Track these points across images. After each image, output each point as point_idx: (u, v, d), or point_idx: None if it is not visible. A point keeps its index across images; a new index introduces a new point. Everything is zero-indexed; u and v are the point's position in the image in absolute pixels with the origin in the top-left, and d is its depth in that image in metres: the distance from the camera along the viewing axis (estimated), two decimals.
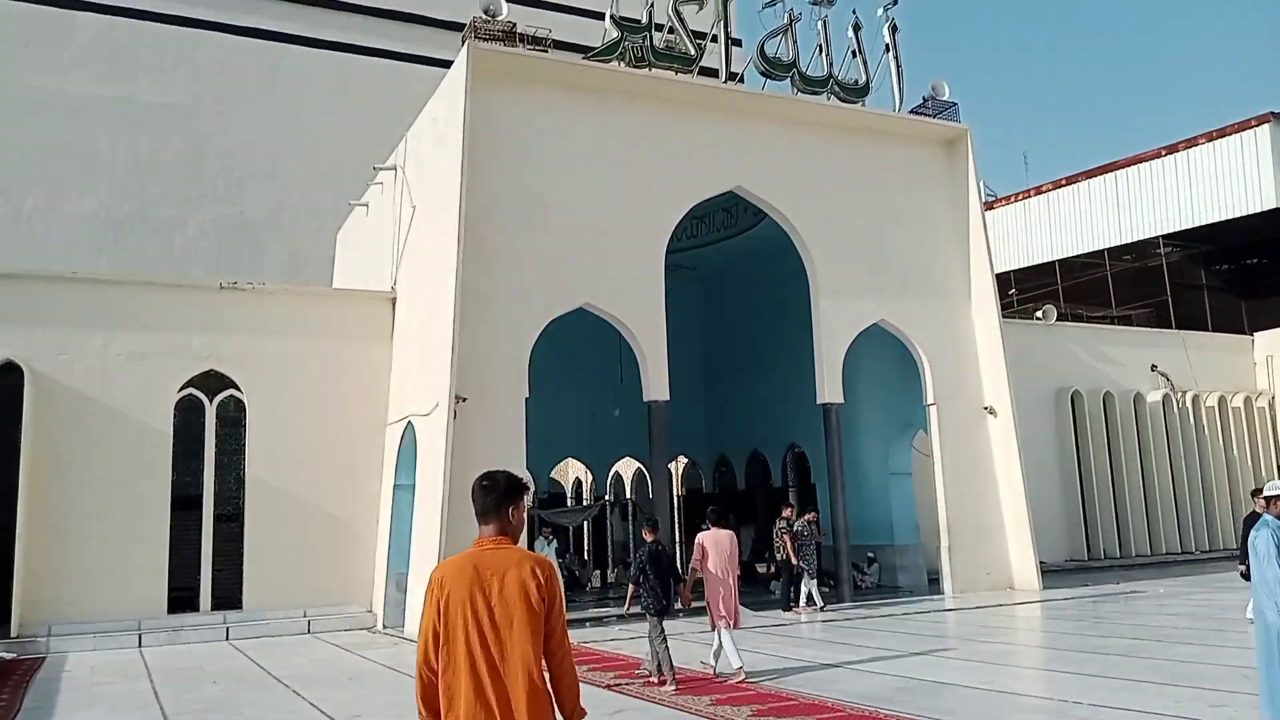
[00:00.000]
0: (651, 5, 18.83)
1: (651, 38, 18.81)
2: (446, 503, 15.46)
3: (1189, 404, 27.93)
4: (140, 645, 16.05)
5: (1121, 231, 32.52)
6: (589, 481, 38.33)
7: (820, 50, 20.29)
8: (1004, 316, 21.40)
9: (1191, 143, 29.87)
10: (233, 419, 18.07)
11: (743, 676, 10.49)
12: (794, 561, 17.78)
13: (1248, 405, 29.31)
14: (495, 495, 3.95)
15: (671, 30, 19.16)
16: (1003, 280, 27.71)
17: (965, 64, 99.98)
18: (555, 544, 18.87)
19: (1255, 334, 30.61)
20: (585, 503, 36.65)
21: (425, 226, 18.57)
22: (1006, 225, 34.49)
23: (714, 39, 19.68)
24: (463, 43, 17.65)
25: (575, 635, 14.26)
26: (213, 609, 17.23)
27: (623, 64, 18.60)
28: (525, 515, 4.17)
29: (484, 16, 19.53)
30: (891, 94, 20.99)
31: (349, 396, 18.79)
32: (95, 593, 16.41)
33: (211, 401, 17.94)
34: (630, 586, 10.79)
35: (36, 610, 15.97)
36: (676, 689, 10.06)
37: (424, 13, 37.61)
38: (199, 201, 34.89)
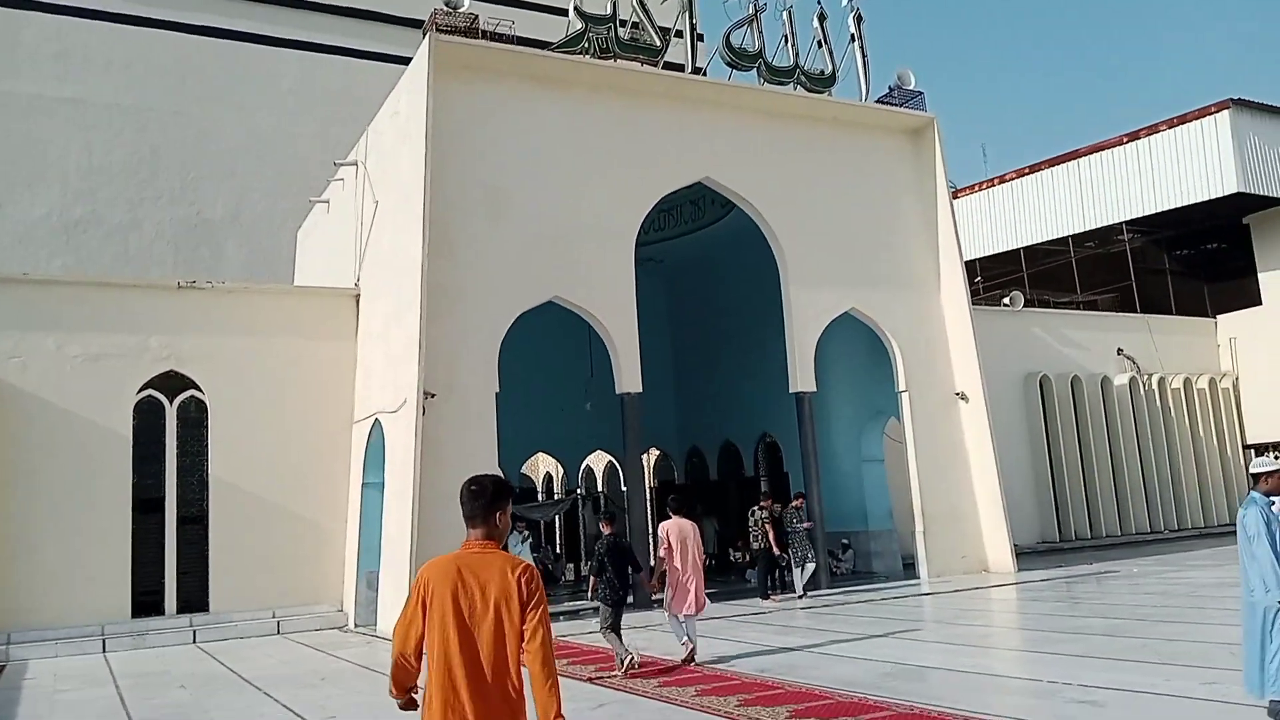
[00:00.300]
0: None
1: (616, 29, 18.59)
2: (417, 500, 15.17)
3: (1155, 386, 28.21)
4: (104, 650, 15.65)
5: (1085, 218, 32.71)
6: (560, 475, 38.09)
7: (786, 40, 20.15)
8: (971, 304, 21.42)
9: (1153, 130, 30.10)
10: (194, 420, 17.65)
11: (689, 656, 10.87)
12: (775, 550, 17.70)
13: (1212, 386, 29.68)
14: (484, 501, 4.02)
15: (636, 24, 18.96)
16: (968, 268, 27.70)
17: (924, 55, 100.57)
18: (529, 539, 18.60)
19: (1218, 316, 30.99)
20: (556, 497, 36.46)
21: (389, 222, 18.23)
22: (970, 214, 34.60)
23: (679, 34, 19.53)
24: (423, 36, 17.31)
25: (562, 630, 14.05)
26: (178, 612, 16.83)
27: (587, 55, 18.37)
28: (510, 519, 4.18)
29: (445, 9, 19.17)
30: (858, 83, 20.95)
31: (313, 395, 18.42)
32: (56, 598, 15.96)
33: (172, 403, 17.50)
34: (592, 579, 10.94)
35: None
36: (625, 675, 10.28)
37: (384, 10, 37.09)
38: (154, 202, 34.18)
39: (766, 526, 17.58)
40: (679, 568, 11.11)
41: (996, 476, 20.30)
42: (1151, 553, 22.87)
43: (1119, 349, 28.44)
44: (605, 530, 11.13)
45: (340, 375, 18.73)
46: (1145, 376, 28.10)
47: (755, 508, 18.03)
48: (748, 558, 22.24)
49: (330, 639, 15.86)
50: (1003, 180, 35.09)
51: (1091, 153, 32.08)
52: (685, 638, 11.05)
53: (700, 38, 20.27)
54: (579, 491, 32.28)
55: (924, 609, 15.42)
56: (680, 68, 20.14)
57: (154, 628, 16.37)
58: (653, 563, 12.17)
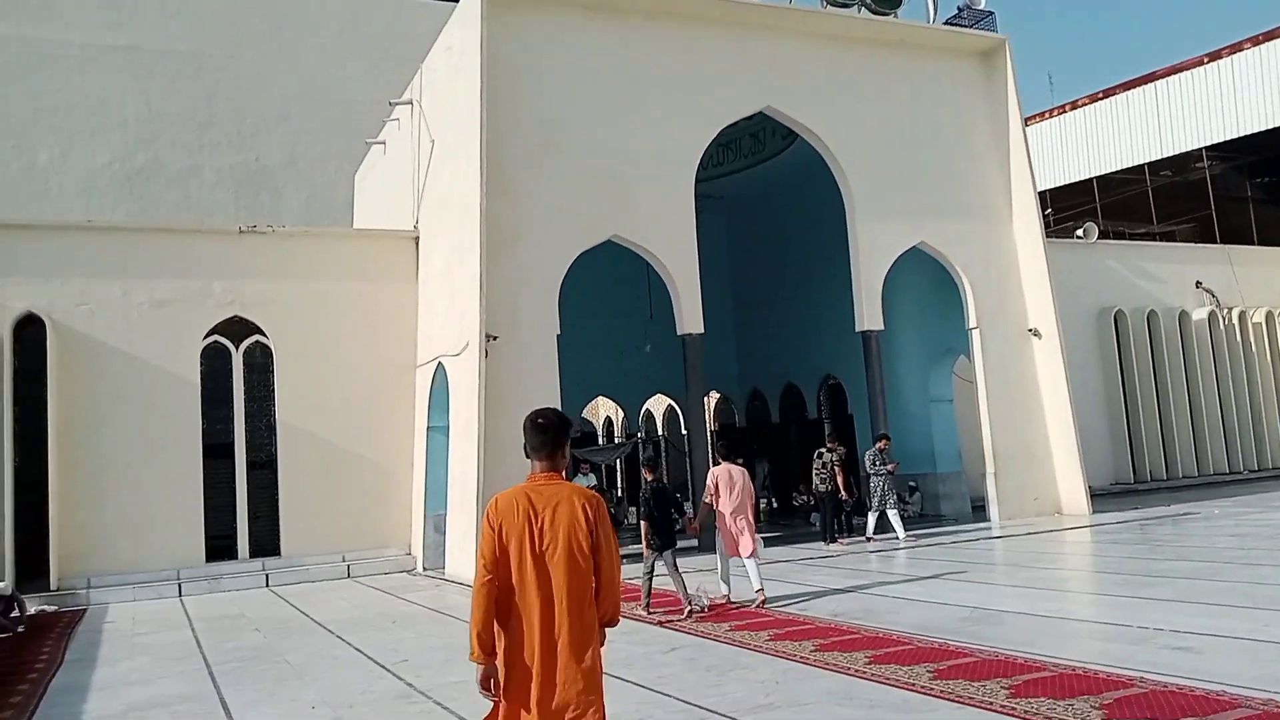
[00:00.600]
0: None
1: None
2: (482, 443, 15.11)
3: (1235, 320, 27.13)
4: (180, 594, 15.97)
5: (1162, 144, 31.46)
6: (620, 419, 38.06)
7: None
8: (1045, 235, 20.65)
9: (1235, 48, 28.65)
10: (260, 365, 17.77)
11: (762, 598, 10.84)
12: (843, 494, 17.41)
13: None
14: (550, 434, 4.22)
15: None
16: (1038, 200, 26.85)
17: None
18: (594, 480, 18.54)
19: None
20: (617, 441, 36.47)
21: (445, 161, 17.99)
22: (1040, 143, 33.39)
23: None
24: None
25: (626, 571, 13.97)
26: (250, 556, 17.10)
27: None
28: (571, 456, 4.47)
29: None
30: (924, 4, 20.08)
31: (376, 339, 18.42)
32: (132, 544, 16.29)
33: (238, 348, 17.61)
34: (644, 525, 11.05)
35: (74, 563, 15.87)
36: (648, 612, 10.59)
37: None
38: (213, 149, 34.34)
39: (837, 469, 17.28)
40: (724, 512, 11.17)
41: (1071, 416, 19.72)
42: (1230, 494, 22.15)
43: (1197, 282, 27.34)
44: (647, 477, 11.33)
45: (402, 318, 18.69)
46: (1225, 310, 27.04)
47: (822, 450, 17.70)
48: (811, 501, 22.00)
49: (399, 582, 16.00)
50: (1075, 106, 33.79)
51: (1169, 74, 30.70)
52: (729, 580, 11.05)
53: None
54: (639, 435, 32.21)
55: (998, 552, 15.08)
56: None
57: (227, 571, 16.67)
58: (695, 508, 12.24)
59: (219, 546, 17.02)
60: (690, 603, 10.61)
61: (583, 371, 22.22)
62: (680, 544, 11.44)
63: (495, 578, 4.06)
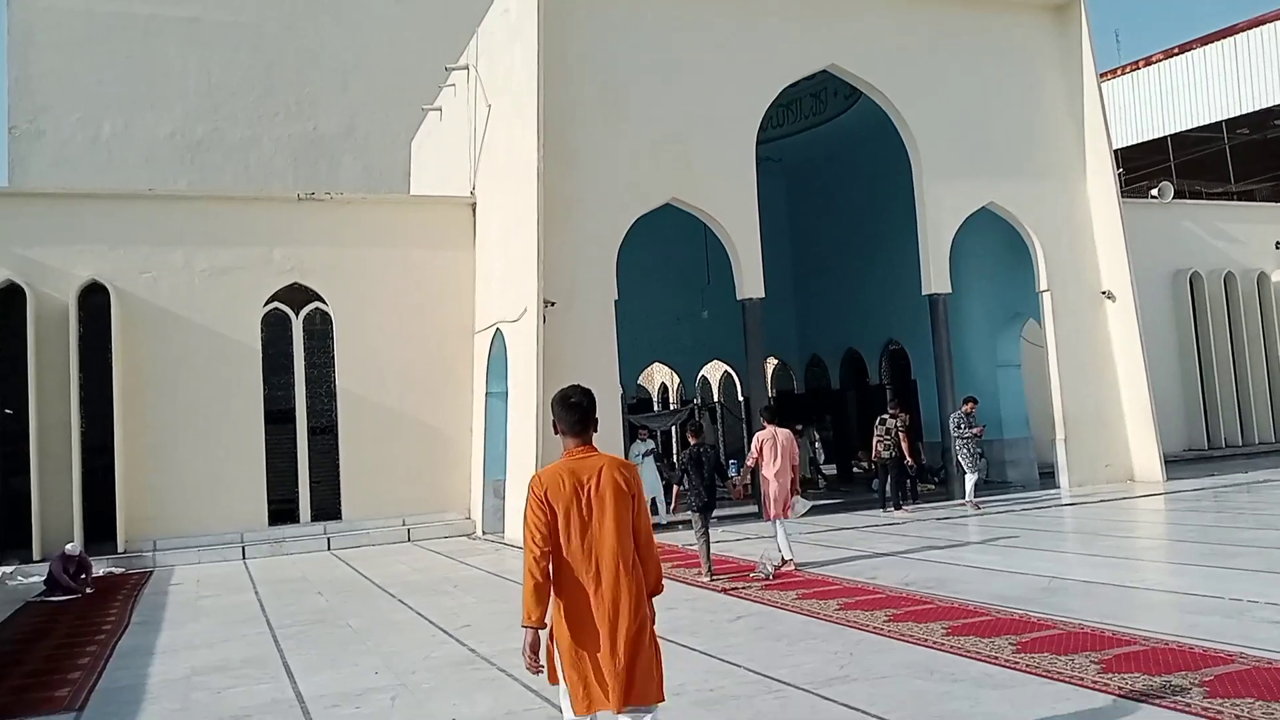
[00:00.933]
0: None
1: None
2: (541, 409, 14.97)
3: None
4: (244, 557, 16.14)
5: (1241, 101, 30.13)
6: (675, 385, 37.86)
7: None
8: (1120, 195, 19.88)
9: None
10: (320, 331, 17.81)
11: (793, 567, 10.88)
12: (909, 460, 17.03)
13: None
14: (580, 413, 4.38)
15: None
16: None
17: None
18: (654, 449, 18.33)
19: None
20: (672, 407, 36.28)
21: (502, 126, 17.76)
22: (1112, 101, 32.11)
23: None
24: None
25: (676, 538, 13.81)
26: (312, 520, 17.23)
27: None
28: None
29: None
30: None
31: (434, 305, 18.35)
32: (197, 507, 16.48)
33: (298, 315, 17.66)
34: (675, 488, 11.31)
35: (140, 526, 16.10)
36: (712, 579, 10.64)
37: None
38: (272, 119, 34.54)
39: (901, 435, 16.89)
40: (768, 476, 11.26)
41: (1145, 380, 19.04)
42: None
43: (1277, 242, 26.23)
44: (691, 440, 11.45)
45: (460, 285, 18.59)
46: None
47: (885, 416, 17.27)
48: (870, 468, 21.60)
49: (460, 546, 16.00)
50: (1148, 63, 32.52)
51: (1250, 28, 29.35)
52: (789, 553, 11.00)
53: None
54: (695, 401, 31.97)
55: (1071, 520, 14.61)
56: None
57: (290, 535, 16.81)
58: (735, 472, 12.38)
59: (281, 510, 17.17)
60: (709, 570, 10.78)
61: (638, 337, 21.97)
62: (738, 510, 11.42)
63: (546, 553, 4.21)
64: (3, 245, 16.27)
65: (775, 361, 29.16)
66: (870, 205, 23.60)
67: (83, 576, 13.18)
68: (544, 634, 4.26)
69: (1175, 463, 21.55)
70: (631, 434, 18.40)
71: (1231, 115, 30.31)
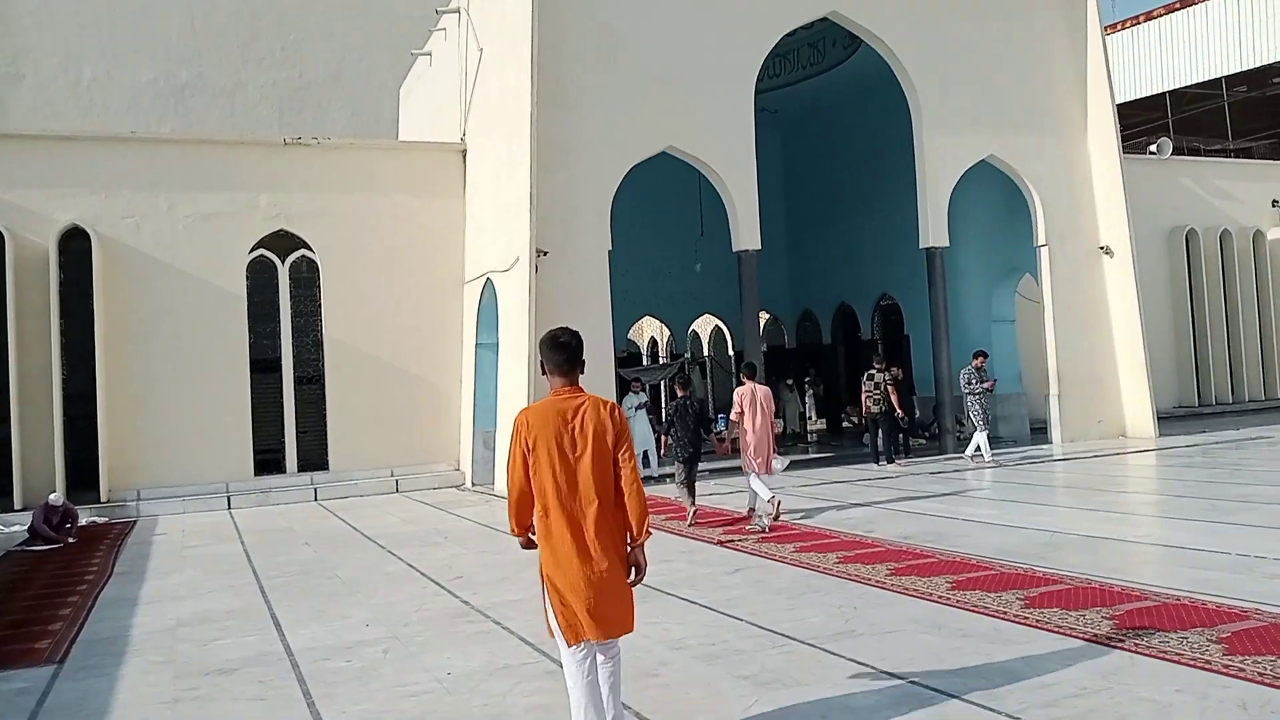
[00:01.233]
0: None
1: None
2: (532, 360, 14.70)
3: None
4: (230, 507, 15.92)
5: (1240, 57, 29.77)
6: (665, 340, 37.60)
7: None
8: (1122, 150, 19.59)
9: None
10: (306, 280, 17.45)
11: (774, 509, 10.92)
12: (899, 413, 16.89)
13: None
14: (569, 353, 4.46)
15: None
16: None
17: None
18: (646, 403, 18.13)
19: None
20: (661, 362, 36.06)
21: (494, 70, 17.29)
22: (1112, 56, 31.71)
23: None
24: None
25: (667, 491, 13.64)
26: (299, 471, 16.99)
27: None
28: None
29: None
30: None
31: (423, 254, 17.99)
32: (181, 457, 16.22)
33: (284, 262, 17.29)
34: (663, 438, 11.56)
35: (124, 475, 15.85)
36: (690, 525, 11.02)
37: None
38: (257, 64, 33.84)
39: (890, 389, 16.72)
40: (750, 430, 11.38)
41: (1141, 337, 18.92)
42: None
43: (1274, 200, 26.03)
44: (679, 393, 11.74)
45: (449, 233, 18.23)
46: None
47: (872, 370, 17.01)
48: (859, 423, 21.50)
49: (449, 497, 15.81)
50: (1149, 17, 32.07)
51: None
52: (770, 494, 11.10)
53: None
54: (685, 356, 31.75)
55: (1066, 475, 14.50)
56: None
57: (276, 485, 16.58)
58: (723, 427, 12.86)
59: (267, 461, 16.93)
60: (693, 515, 11.19)
61: (629, 291, 21.70)
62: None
63: (525, 480, 4.40)
64: None
65: (767, 316, 28.92)
66: (866, 158, 23.26)
67: (68, 526, 12.93)
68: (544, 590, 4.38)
69: (1166, 419, 21.47)
70: (623, 388, 18.18)
71: (1231, 72, 29.98)
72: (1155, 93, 31.82)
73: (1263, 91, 31.02)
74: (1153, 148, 26.29)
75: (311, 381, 17.31)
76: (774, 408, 11.73)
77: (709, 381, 31.40)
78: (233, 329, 16.80)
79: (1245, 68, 29.84)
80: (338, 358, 17.31)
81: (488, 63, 17.70)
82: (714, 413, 23.35)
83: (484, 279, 17.11)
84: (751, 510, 11.52)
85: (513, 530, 4.60)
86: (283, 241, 17.29)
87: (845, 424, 24.96)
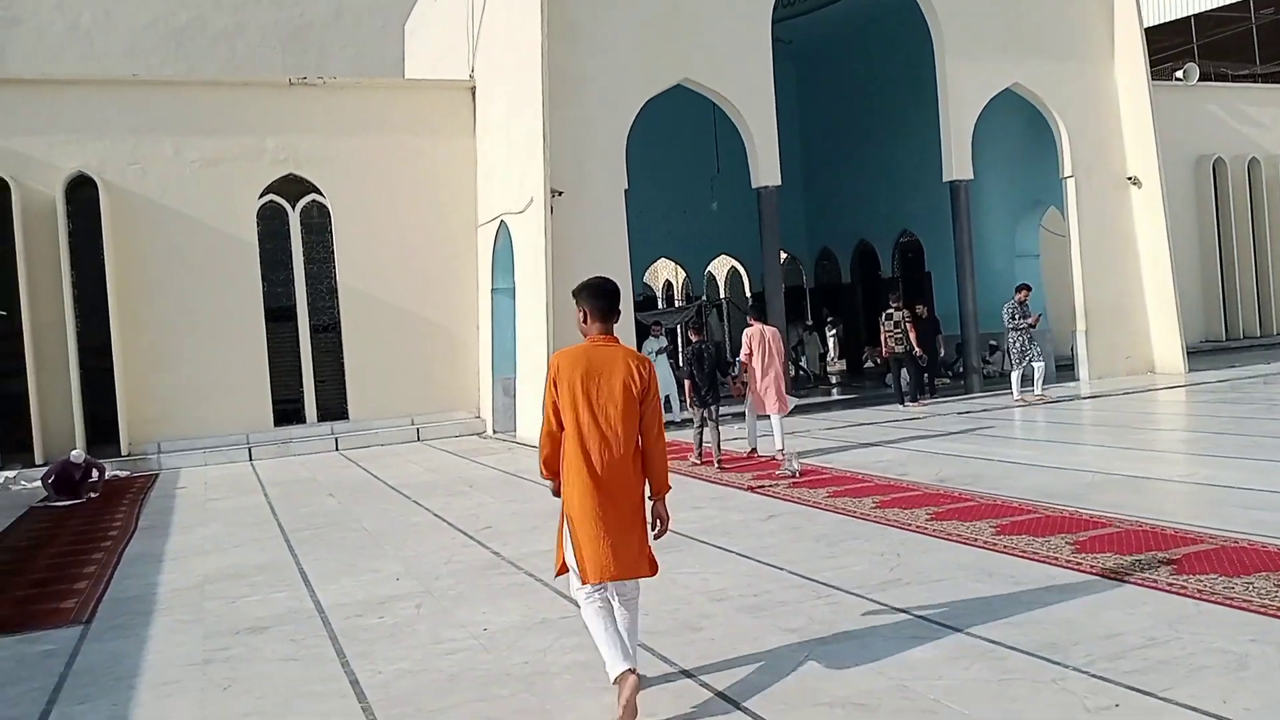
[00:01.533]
0: None
1: None
2: (551, 304, 14.44)
3: None
4: (251, 459, 15.82)
5: None
6: (680, 282, 37.24)
7: None
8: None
9: None
10: (318, 225, 17.15)
11: (783, 457, 10.81)
12: (917, 352, 16.62)
13: None
14: (607, 300, 4.54)
15: None
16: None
17: None
18: (667, 347, 17.86)
19: None
20: (677, 305, 35.72)
21: (502, 3, 16.77)
22: None
23: None
24: None
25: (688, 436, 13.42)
26: (319, 420, 16.86)
27: None
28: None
29: None
30: None
31: (434, 197, 17.65)
32: (200, 408, 16.09)
33: (294, 207, 16.97)
34: (686, 383, 11.66)
35: (143, 428, 15.74)
36: (700, 462, 11.39)
37: None
38: (257, 5, 33.13)
39: (909, 327, 16.41)
40: (758, 371, 11.59)
41: (1170, 270, 18.51)
42: None
43: None
44: (693, 338, 11.75)
45: (460, 175, 17.85)
46: None
47: (890, 310, 16.63)
48: (878, 363, 21.26)
49: (471, 445, 15.67)
50: None
51: None
52: (755, 435, 11.75)
53: None
54: (702, 298, 31.39)
55: (1098, 412, 14.23)
56: None
57: (297, 436, 16.46)
58: (736, 369, 12.80)
59: (286, 411, 16.78)
60: (714, 456, 11.27)
61: (643, 232, 21.26)
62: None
63: (557, 428, 4.49)
64: None
65: (785, 255, 28.48)
66: (885, 90, 22.67)
67: (91, 480, 12.81)
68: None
69: (1193, 354, 21.10)
70: (642, 332, 17.91)
71: None
72: (1180, 16, 30.90)
73: None
74: (1178, 74, 25.56)
75: (328, 330, 17.09)
76: (783, 348, 11.86)
77: (726, 324, 31.06)
78: (245, 277, 16.56)
79: None
80: (353, 305, 17.07)
81: None
82: (731, 356, 23.11)
83: (497, 221, 16.78)
84: (753, 450, 11.93)
85: (542, 474, 4.67)
86: (292, 186, 16.95)
87: (867, 364, 24.68)
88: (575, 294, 4.60)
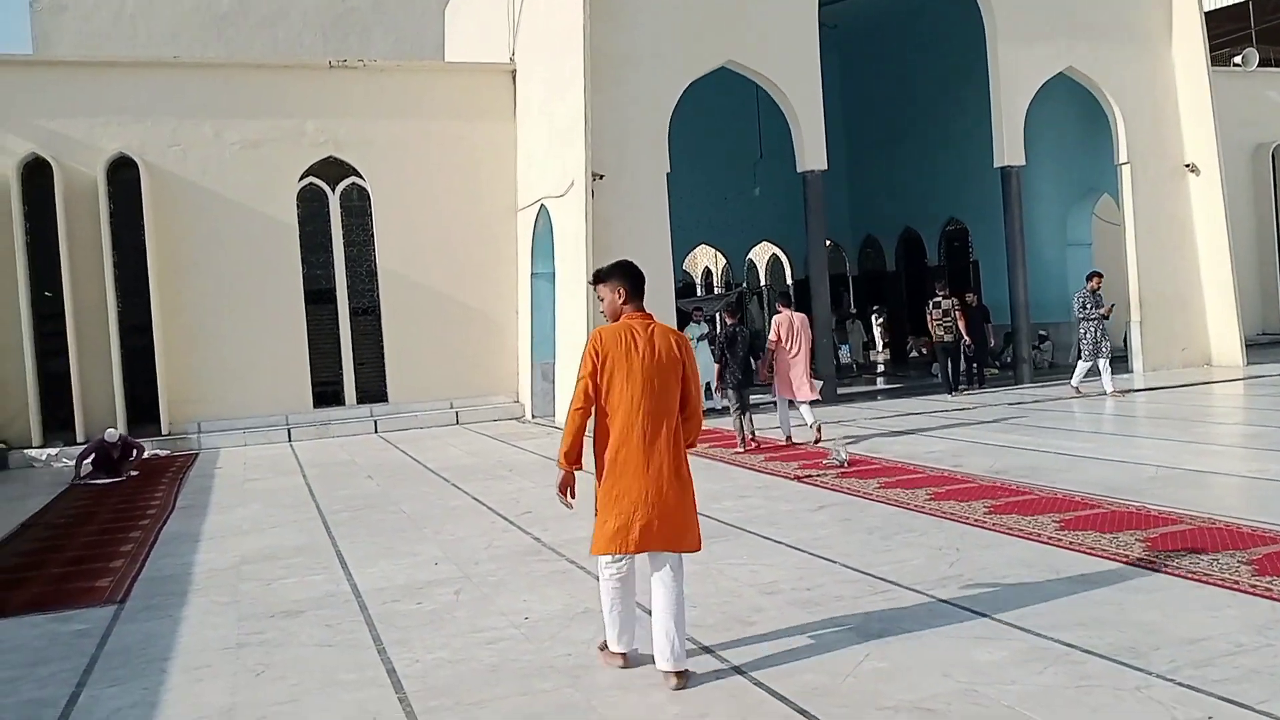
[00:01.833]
0: None
1: None
2: (591, 289, 14.19)
3: None
4: (290, 440, 15.79)
5: None
6: (719, 269, 36.90)
7: None
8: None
9: None
10: (358, 208, 17.06)
11: (818, 435, 11.53)
12: (966, 341, 16.24)
13: None
14: (638, 281, 4.71)
15: None
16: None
17: None
18: (708, 333, 17.59)
19: None
20: (716, 292, 35.39)
21: None
22: None
23: None
24: None
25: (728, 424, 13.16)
26: (358, 403, 16.79)
27: None
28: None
29: None
30: None
31: (474, 180, 17.49)
32: (240, 389, 16.08)
33: (334, 190, 16.89)
34: (716, 366, 11.87)
35: (184, 408, 15.75)
36: (744, 451, 11.28)
37: None
38: None
39: (958, 315, 16.04)
40: (786, 358, 11.73)
41: (1229, 259, 17.94)
42: None
43: None
44: (728, 320, 11.92)
45: (500, 158, 17.67)
46: None
47: (938, 298, 16.22)
48: (924, 352, 20.86)
49: (509, 429, 15.52)
50: None
51: None
52: (789, 424, 11.81)
53: None
54: (742, 285, 31.08)
55: (1155, 405, 13.77)
56: None
57: (336, 418, 16.41)
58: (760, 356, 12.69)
59: (325, 393, 16.75)
60: (745, 442, 11.42)
61: (683, 218, 20.91)
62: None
63: (589, 405, 4.52)
64: (26, 118, 15.51)
65: (828, 243, 28.07)
66: (933, 74, 22.18)
67: (130, 458, 12.79)
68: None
69: (1250, 347, 20.49)
70: (683, 319, 17.65)
71: None
72: (1239, 1, 30.01)
73: None
74: (1237, 59, 24.81)
75: (367, 313, 17.01)
76: (811, 335, 12.04)
77: (765, 312, 30.69)
78: (285, 259, 16.50)
79: None
80: (392, 288, 16.97)
81: None
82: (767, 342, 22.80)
83: (537, 205, 16.57)
84: (789, 439, 11.86)
85: (562, 460, 4.57)
86: (332, 169, 16.87)
87: (912, 354, 24.25)
88: (603, 276, 4.72)
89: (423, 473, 11.60)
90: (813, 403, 12.11)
